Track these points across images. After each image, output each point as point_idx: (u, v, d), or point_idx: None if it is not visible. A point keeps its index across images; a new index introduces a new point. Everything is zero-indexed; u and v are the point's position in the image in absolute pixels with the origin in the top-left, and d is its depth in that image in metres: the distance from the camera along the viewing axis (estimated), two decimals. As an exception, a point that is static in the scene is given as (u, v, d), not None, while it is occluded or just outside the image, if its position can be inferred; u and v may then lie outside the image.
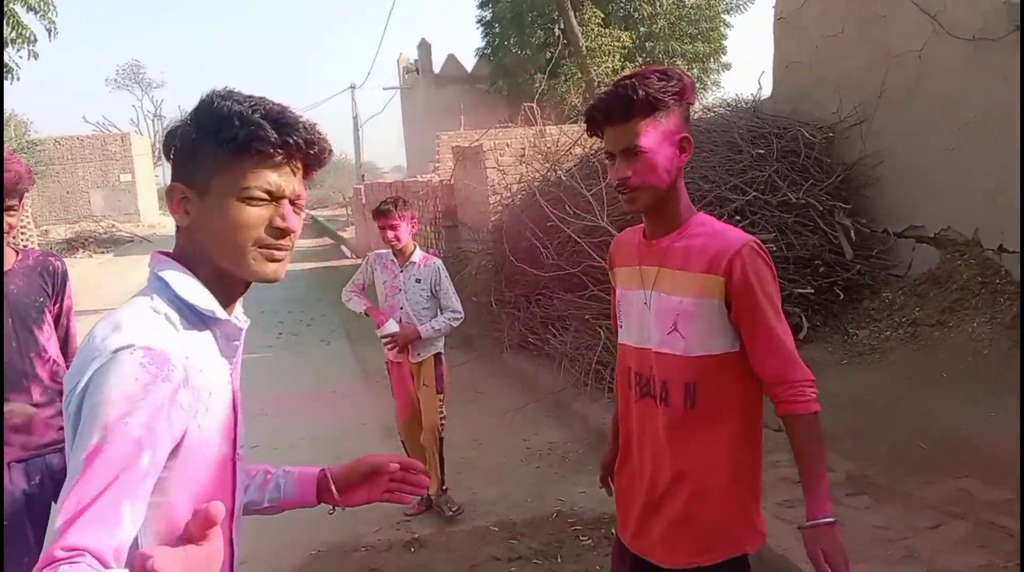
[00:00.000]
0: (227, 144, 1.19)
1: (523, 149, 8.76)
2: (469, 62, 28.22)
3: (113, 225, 30.98)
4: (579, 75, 15.25)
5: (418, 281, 4.29)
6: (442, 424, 4.39)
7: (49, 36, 10.54)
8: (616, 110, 1.84)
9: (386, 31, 50.53)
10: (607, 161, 1.94)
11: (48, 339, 2.67)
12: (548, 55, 18.94)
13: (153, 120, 54.99)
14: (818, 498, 1.82)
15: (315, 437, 5.83)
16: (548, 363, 6.67)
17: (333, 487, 1.51)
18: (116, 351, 1.09)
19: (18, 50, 10.01)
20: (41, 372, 2.63)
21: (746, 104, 8.20)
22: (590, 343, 6.06)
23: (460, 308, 4.37)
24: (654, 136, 1.82)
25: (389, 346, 4.30)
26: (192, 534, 0.96)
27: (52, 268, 2.72)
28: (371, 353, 7.49)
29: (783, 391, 1.82)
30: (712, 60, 22.94)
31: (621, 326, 2.07)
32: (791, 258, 6.25)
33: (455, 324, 4.35)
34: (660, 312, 1.91)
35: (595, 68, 15.84)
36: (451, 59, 29.47)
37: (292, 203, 1.26)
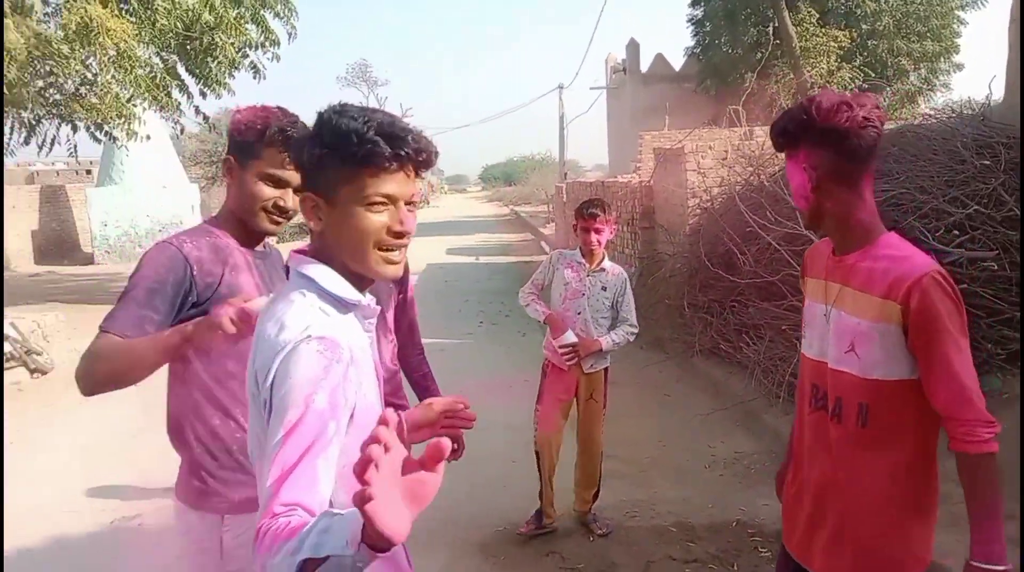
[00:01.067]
0: (349, 160, 1.37)
1: (726, 151, 8.64)
2: (678, 61, 27.90)
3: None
4: (791, 76, 14.65)
5: (604, 289, 4.13)
6: (602, 439, 4.27)
7: (289, 39, 11.67)
8: (775, 145, 2.02)
9: (596, 32, 50.75)
10: None
11: (399, 318, 3.00)
12: (760, 54, 18.31)
13: (376, 116, 58.81)
14: (986, 540, 1.75)
15: (507, 424, 6.13)
16: (739, 371, 6.60)
17: (405, 429, 1.57)
18: (296, 343, 1.31)
19: (265, 53, 11.18)
20: (385, 352, 2.88)
21: (973, 110, 7.60)
22: (785, 355, 5.94)
23: (636, 322, 4.22)
24: (790, 166, 1.98)
25: (568, 357, 4.07)
26: (426, 463, 1.14)
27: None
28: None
29: (954, 427, 1.80)
30: (942, 60, 21.12)
31: (804, 337, 2.12)
32: (1014, 279, 5.77)
33: (631, 339, 4.19)
34: (839, 330, 1.94)
35: (808, 69, 15.16)
36: (659, 58, 29.24)
37: (407, 203, 1.47)
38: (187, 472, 2.03)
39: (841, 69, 17.53)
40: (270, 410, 1.31)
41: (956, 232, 5.92)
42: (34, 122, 11.12)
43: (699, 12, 24.07)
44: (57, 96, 10.47)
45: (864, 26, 20.49)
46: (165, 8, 9.59)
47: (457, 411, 1.79)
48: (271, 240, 2.27)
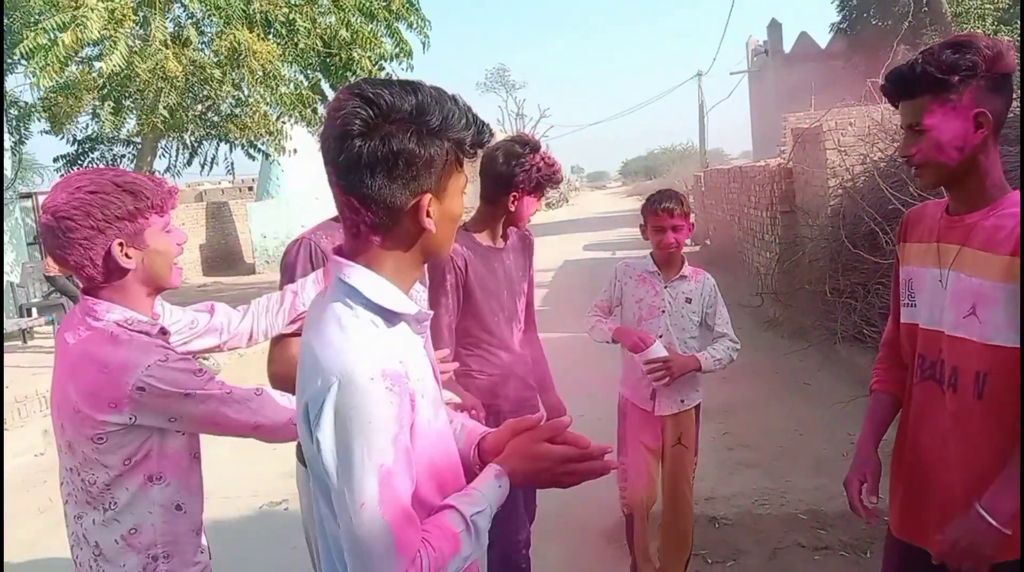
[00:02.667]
0: (471, 150, 1.32)
1: (868, 128, 8.19)
2: (823, 38, 26.66)
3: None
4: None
5: (688, 301, 3.25)
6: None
7: (423, 49, 12.09)
8: (900, 87, 1.81)
9: (731, 14, 49.20)
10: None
11: (528, 308, 3.07)
12: (911, 24, 17.17)
13: (515, 119, 59.70)
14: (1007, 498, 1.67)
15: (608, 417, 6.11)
16: (884, 356, 6.26)
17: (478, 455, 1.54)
18: (364, 380, 1.20)
19: (400, 63, 11.65)
20: (516, 337, 2.97)
21: None
22: (932, 336, 5.58)
23: (736, 337, 3.30)
24: (940, 114, 1.75)
25: (658, 376, 3.11)
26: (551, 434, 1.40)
27: (528, 241, 3.09)
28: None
29: None
30: None
31: (905, 305, 2.01)
32: None
33: (734, 356, 3.25)
34: (957, 293, 1.82)
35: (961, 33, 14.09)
36: (803, 37, 28.09)
37: None
38: None
39: (1000, 33, 16.17)
40: (333, 460, 1.21)
41: None
42: (195, 144, 12.10)
43: (844, -15, 22.96)
44: (215, 118, 11.35)
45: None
46: (305, 28, 10.18)
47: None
48: None
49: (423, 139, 1.25)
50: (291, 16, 10.13)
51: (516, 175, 2.75)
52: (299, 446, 2.26)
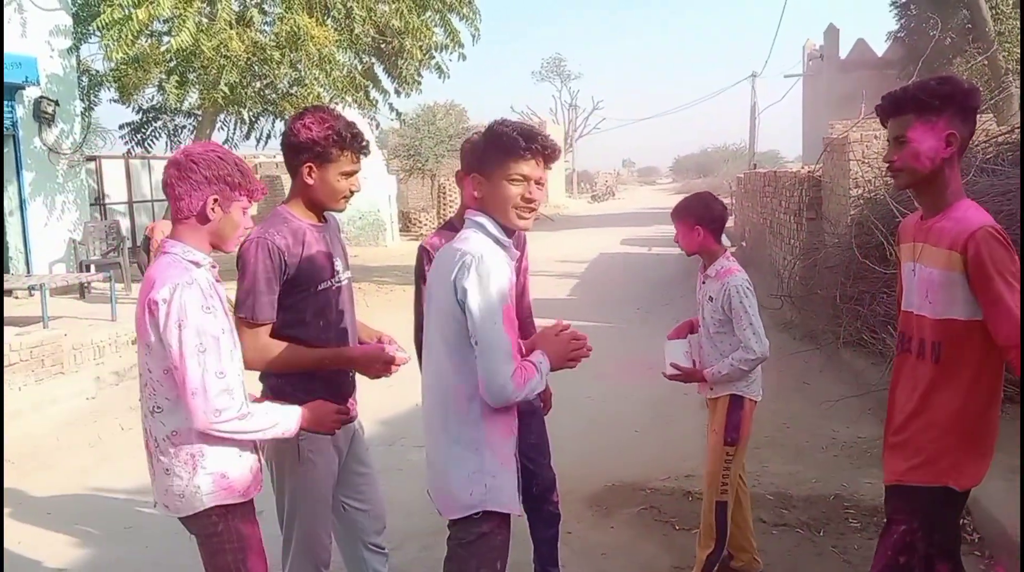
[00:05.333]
0: (502, 150, 2.18)
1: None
2: (880, 46, 26.42)
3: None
4: (983, 62, 13.63)
5: (711, 298, 3.43)
6: (725, 486, 3.42)
7: (473, 41, 12.53)
8: (893, 106, 2.34)
9: (783, 16, 48.77)
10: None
11: (523, 292, 3.26)
12: (952, 40, 17.10)
13: (568, 109, 59.66)
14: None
15: (638, 397, 6.53)
16: (881, 361, 6.55)
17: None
18: (493, 258, 2.14)
19: (451, 53, 12.11)
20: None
21: None
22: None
23: (756, 345, 3.29)
24: (920, 129, 2.27)
25: (671, 375, 3.51)
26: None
27: (521, 238, 3.14)
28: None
29: (1014, 355, 2.17)
30: None
31: (901, 295, 2.55)
32: None
33: (746, 367, 3.32)
34: (920, 281, 2.37)
35: (1004, 54, 14.06)
36: (860, 43, 27.85)
37: (536, 183, 2.21)
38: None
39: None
40: (477, 300, 2.10)
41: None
42: (253, 119, 12.73)
43: (904, -5, 22.72)
44: (272, 96, 11.95)
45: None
46: (361, 16, 10.70)
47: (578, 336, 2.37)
48: None
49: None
50: (348, 4, 10.65)
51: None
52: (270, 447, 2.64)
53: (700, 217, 3.44)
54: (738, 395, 3.42)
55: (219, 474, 2.18)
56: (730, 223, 23.28)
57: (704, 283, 3.51)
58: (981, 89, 2.28)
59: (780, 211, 11.83)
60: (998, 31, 14.81)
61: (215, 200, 2.15)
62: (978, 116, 2.32)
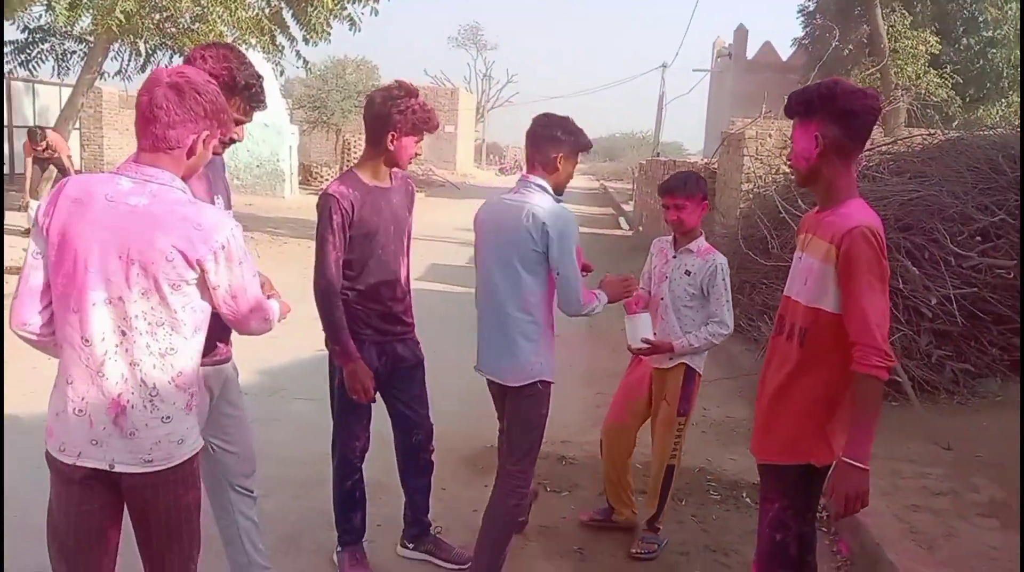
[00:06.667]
0: (576, 146, 3.15)
1: (787, 140, 8.82)
2: (786, 51, 27.40)
3: (431, 170, 34.31)
4: (878, 75, 14.46)
5: (688, 273, 3.56)
6: (675, 452, 3.68)
7: (388, -7, 12.29)
8: (786, 110, 2.47)
9: (695, 11, 49.83)
10: None
11: (409, 245, 3.28)
12: (851, 52, 18.05)
13: (482, 80, 59.38)
14: (859, 445, 2.29)
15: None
16: (755, 347, 6.90)
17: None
18: (569, 214, 3.03)
19: (364, 6, 11.84)
20: (403, 271, 3.22)
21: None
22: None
23: (729, 321, 3.54)
24: (798, 131, 2.43)
25: (637, 349, 3.60)
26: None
27: (411, 188, 3.32)
28: (602, 311, 8.15)
29: (854, 350, 2.28)
30: (1066, 72, 20.16)
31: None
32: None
33: (717, 341, 3.57)
34: (801, 269, 2.49)
35: (895, 69, 14.95)
36: (767, 46, 28.82)
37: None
38: None
39: (928, 74, 17.10)
40: (560, 243, 2.93)
41: (979, 238, 6.07)
42: (149, 52, 12.12)
43: (811, 4, 23.61)
44: (172, 29, 11.41)
45: (986, 33, 19.83)
46: (274, -44, 10.32)
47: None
48: None
49: None
50: (262, -58, 10.25)
51: (392, 116, 2.97)
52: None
53: (705, 194, 3.66)
54: (692, 368, 3.63)
55: (197, 413, 2.14)
56: (629, 208, 23.89)
57: (675, 257, 3.64)
58: (874, 93, 2.39)
59: (676, 199, 12.19)
60: (892, 48, 15.67)
61: (206, 136, 2.02)
62: (870, 120, 2.39)
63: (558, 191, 3.09)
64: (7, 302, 2.09)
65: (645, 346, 3.55)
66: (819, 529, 3.83)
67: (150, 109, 1.95)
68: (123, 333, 1.96)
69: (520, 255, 2.99)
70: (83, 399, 1.98)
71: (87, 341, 1.96)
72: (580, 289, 2.97)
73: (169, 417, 2.02)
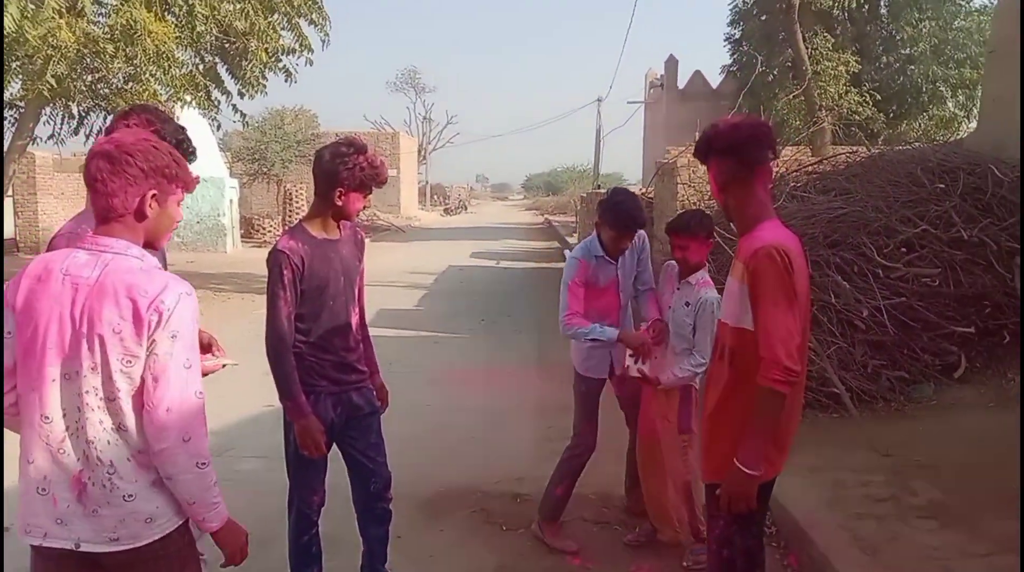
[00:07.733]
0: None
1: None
2: (715, 79, 28.22)
3: (375, 214, 34.23)
4: (802, 98, 15.04)
5: (687, 304, 3.79)
6: (688, 468, 3.90)
7: (323, 46, 12.41)
8: (694, 155, 2.71)
9: (626, 45, 51.20)
10: None
11: (359, 294, 3.33)
12: (775, 77, 18.75)
13: (422, 122, 59.64)
14: (750, 451, 2.42)
15: (476, 407, 6.68)
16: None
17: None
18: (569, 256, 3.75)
19: (298, 57, 11.94)
20: (354, 320, 3.27)
21: (947, 139, 7.96)
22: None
23: (708, 355, 3.41)
24: (709, 173, 2.63)
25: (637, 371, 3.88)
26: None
27: (360, 237, 3.35)
28: (551, 344, 8.24)
29: (760, 365, 2.39)
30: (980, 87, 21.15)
31: None
32: (956, 295, 6.16)
33: (699, 371, 3.73)
34: (727, 291, 2.62)
35: (818, 91, 15.58)
36: (697, 75, 29.58)
37: None
38: None
39: (849, 94, 17.81)
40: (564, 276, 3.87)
41: (904, 250, 6.33)
42: (83, 114, 12.01)
43: (737, 32, 24.40)
44: (105, 90, 11.33)
45: (903, 51, 20.72)
46: (204, 15, 10.36)
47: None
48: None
49: None
50: (191, 0, 10.29)
51: (340, 173, 3.01)
52: None
53: (710, 232, 3.84)
54: (688, 386, 3.90)
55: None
56: (574, 240, 24.18)
57: (679, 289, 3.86)
58: (754, 120, 2.56)
59: (618, 229, 12.42)
60: (814, 71, 16.28)
61: (153, 195, 1.97)
62: (755, 144, 2.55)
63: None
64: None
65: (638, 376, 3.87)
66: (768, 544, 3.96)
67: (90, 182, 1.95)
68: (78, 409, 1.92)
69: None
70: (45, 477, 1.94)
71: (47, 418, 1.93)
72: (562, 314, 3.87)
73: (132, 495, 1.96)
